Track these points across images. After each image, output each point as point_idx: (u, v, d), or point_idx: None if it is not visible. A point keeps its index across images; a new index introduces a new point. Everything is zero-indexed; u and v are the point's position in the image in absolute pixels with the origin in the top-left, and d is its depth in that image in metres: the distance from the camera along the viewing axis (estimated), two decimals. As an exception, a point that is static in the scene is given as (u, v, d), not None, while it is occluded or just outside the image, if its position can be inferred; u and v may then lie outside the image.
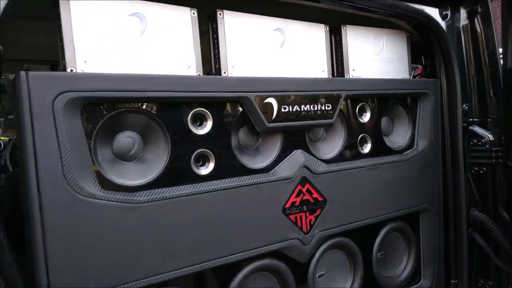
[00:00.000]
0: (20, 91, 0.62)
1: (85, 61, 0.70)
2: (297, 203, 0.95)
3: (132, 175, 0.76)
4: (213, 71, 0.89)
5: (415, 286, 1.22)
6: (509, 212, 1.19)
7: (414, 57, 1.37)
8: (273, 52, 0.96)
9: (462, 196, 1.24)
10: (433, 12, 1.22)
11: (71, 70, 0.69)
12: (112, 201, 0.70)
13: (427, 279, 1.24)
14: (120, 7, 0.75)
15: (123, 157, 0.77)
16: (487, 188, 1.24)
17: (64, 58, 0.69)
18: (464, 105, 1.25)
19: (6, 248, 0.60)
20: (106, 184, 0.72)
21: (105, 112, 0.74)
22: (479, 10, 1.22)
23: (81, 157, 0.67)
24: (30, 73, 0.62)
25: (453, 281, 1.29)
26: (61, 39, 0.70)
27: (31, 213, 0.63)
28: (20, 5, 0.65)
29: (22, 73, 0.62)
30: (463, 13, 1.24)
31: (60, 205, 0.65)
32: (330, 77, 1.05)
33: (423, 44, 1.25)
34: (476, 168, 1.25)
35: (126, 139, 0.77)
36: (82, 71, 0.70)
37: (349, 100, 1.09)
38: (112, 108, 0.74)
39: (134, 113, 0.77)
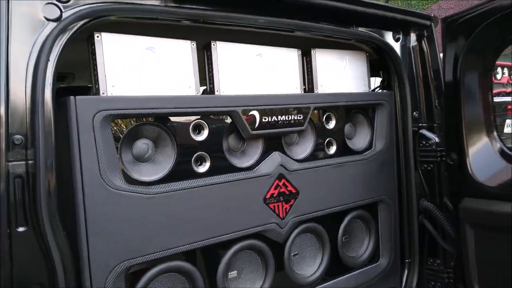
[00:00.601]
0: (70, 111, 0.83)
1: (113, 86, 0.92)
2: (275, 195, 1.18)
3: (147, 173, 0.98)
4: (208, 90, 1.12)
5: (375, 264, 1.46)
6: (452, 202, 1.44)
7: (375, 71, 1.64)
8: (256, 73, 1.19)
9: (413, 188, 1.49)
10: (388, 35, 1.47)
11: (103, 94, 0.91)
12: (134, 192, 0.93)
13: (385, 258, 1.48)
14: (138, 42, 0.97)
15: (140, 159, 0.99)
16: (434, 182, 1.49)
17: (98, 84, 0.91)
18: (414, 113, 1.50)
19: (61, 229, 0.82)
20: (129, 179, 0.94)
21: (128, 124, 0.96)
22: (425, 34, 1.47)
23: (112, 159, 0.89)
24: (78, 97, 0.84)
25: (407, 260, 1.53)
26: (95, 69, 0.91)
27: (77, 202, 0.85)
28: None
29: (72, 97, 0.84)
30: (412, 36, 1.49)
31: (97, 195, 0.87)
32: (302, 92, 1.29)
33: (380, 62, 1.51)
34: (425, 165, 1.50)
35: (142, 145, 0.99)
36: (111, 94, 0.92)
37: (317, 111, 1.33)
38: (132, 121, 0.97)
39: (148, 125, 0.99)
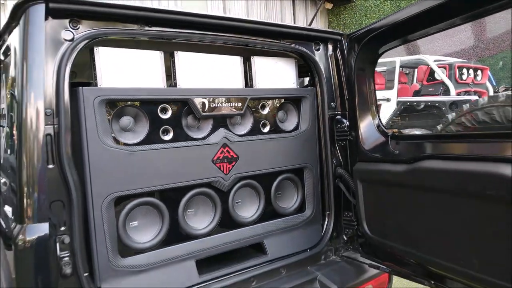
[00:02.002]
0: (79, 96, 1.35)
1: (105, 81, 1.44)
2: (220, 157, 1.69)
3: (129, 138, 1.49)
4: (172, 84, 1.64)
5: (301, 214, 1.97)
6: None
7: (304, 72, 2.16)
8: (208, 73, 1.71)
9: (330, 159, 1.99)
10: (310, 46, 1.98)
11: (99, 86, 1.43)
12: (120, 149, 1.43)
13: (309, 210, 1.98)
14: (122, 53, 1.49)
15: (125, 129, 1.50)
16: (346, 154, 1.99)
17: (96, 79, 1.42)
18: (332, 103, 2.01)
19: (74, 168, 1.33)
20: (117, 141, 1.45)
21: (116, 106, 1.48)
22: (338, 46, 1.98)
23: (105, 128, 1.41)
24: (84, 87, 1.35)
25: (327, 212, 2.05)
26: (94, 70, 1.43)
27: (84, 156, 1.36)
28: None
29: (80, 88, 1.35)
30: (329, 47, 1.99)
31: (96, 150, 1.38)
32: (243, 87, 1.81)
33: (306, 65, 2.03)
34: (340, 142, 2.01)
35: (126, 120, 1.50)
36: (104, 86, 1.43)
37: (254, 100, 1.84)
38: (119, 104, 1.48)
39: (130, 107, 1.50)
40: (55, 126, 1.28)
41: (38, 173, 1.20)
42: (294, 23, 13.38)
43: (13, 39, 1.32)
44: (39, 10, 1.21)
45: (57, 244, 1.25)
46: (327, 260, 1.97)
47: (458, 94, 6.16)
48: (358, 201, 1.81)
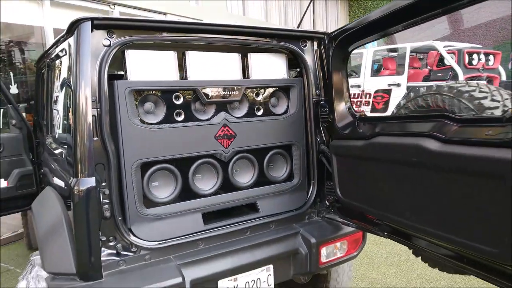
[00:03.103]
0: (114, 87, 1.82)
1: (133, 75, 1.91)
2: (221, 135, 2.14)
3: (151, 119, 1.97)
4: (184, 77, 2.10)
5: (289, 182, 2.41)
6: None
7: (294, 65, 2.56)
8: (212, 67, 2.16)
9: (314, 138, 2.40)
10: (298, 43, 2.38)
11: (128, 79, 1.90)
12: (144, 127, 1.92)
13: (296, 179, 2.41)
14: (146, 53, 1.95)
15: (147, 112, 1.98)
16: (327, 133, 2.42)
17: (126, 74, 1.90)
18: (316, 91, 2.42)
19: (112, 140, 1.81)
20: (142, 121, 1.93)
21: (141, 94, 1.95)
22: (322, 42, 2.38)
23: (134, 112, 1.89)
24: (118, 81, 1.83)
25: (312, 181, 2.48)
26: (125, 67, 1.90)
27: (118, 132, 1.84)
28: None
29: (115, 81, 1.83)
30: (314, 43, 2.39)
31: (128, 128, 1.86)
32: (240, 79, 2.25)
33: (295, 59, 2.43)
34: (324, 124, 2.42)
35: (148, 105, 1.97)
36: (132, 79, 1.91)
37: (250, 89, 2.28)
38: (143, 93, 1.96)
39: (151, 95, 1.98)
40: (98, 109, 1.76)
41: (87, 143, 1.69)
42: (313, 21, 13.60)
43: (68, 45, 1.81)
44: (87, 25, 1.69)
45: (100, 194, 1.75)
46: (310, 220, 2.42)
47: (467, 79, 6.36)
48: (333, 172, 2.23)
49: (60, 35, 1.98)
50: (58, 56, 2.14)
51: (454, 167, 1.42)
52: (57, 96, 2.17)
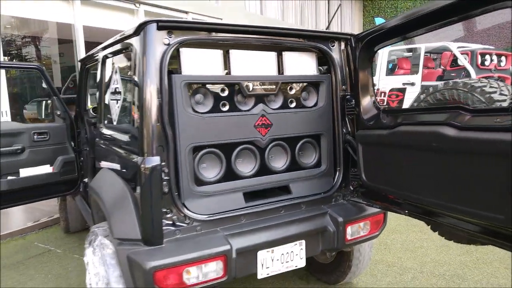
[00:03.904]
0: (172, 80, 2.11)
1: (186, 70, 2.19)
2: (259, 124, 2.41)
3: (201, 109, 2.25)
4: (227, 72, 2.38)
5: (318, 168, 2.68)
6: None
7: (323, 63, 2.83)
8: (252, 64, 2.43)
9: (341, 128, 2.67)
10: (327, 43, 2.65)
11: (183, 73, 2.18)
12: (196, 115, 2.20)
13: (324, 165, 2.68)
14: (197, 51, 2.23)
15: (198, 102, 2.26)
16: (353, 125, 2.68)
17: (181, 69, 2.18)
18: (343, 86, 2.68)
19: (170, 126, 2.10)
20: (194, 110, 2.21)
21: (192, 87, 2.24)
22: (348, 43, 2.64)
23: (187, 102, 2.17)
24: (175, 75, 2.11)
25: (338, 168, 2.74)
26: (179, 63, 2.18)
27: (174, 119, 2.13)
28: (169, 54, 2.14)
29: (173, 75, 2.11)
30: (341, 43, 2.66)
31: (182, 116, 2.13)
32: (276, 74, 2.52)
33: (324, 58, 2.70)
34: (349, 116, 2.68)
35: (198, 96, 2.26)
36: (186, 74, 2.19)
37: (284, 84, 2.55)
38: (194, 86, 2.24)
39: (201, 87, 2.26)
40: (159, 99, 2.05)
41: (151, 127, 1.98)
42: (328, 21, 13.80)
43: (135, 43, 2.10)
44: (153, 26, 1.98)
45: (161, 172, 2.04)
46: (336, 202, 2.68)
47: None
48: (358, 159, 2.50)
49: (121, 35, 2.27)
50: (117, 53, 2.44)
51: (469, 149, 1.68)
52: (116, 88, 2.47)
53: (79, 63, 3.78)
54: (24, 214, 5.04)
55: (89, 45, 6.75)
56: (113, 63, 2.59)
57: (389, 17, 16.47)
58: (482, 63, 6.64)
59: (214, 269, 2.09)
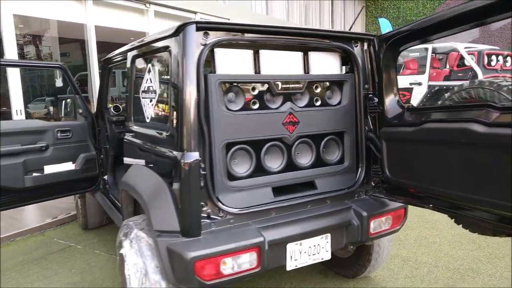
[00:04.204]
0: (208, 79, 2.20)
1: (220, 69, 2.28)
2: (287, 121, 2.50)
3: (233, 106, 2.33)
4: (257, 72, 2.46)
5: (341, 164, 2.77)
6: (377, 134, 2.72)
7: (346, 62, 2.92)
8: (280, 63, 2.52)
9: (363, 126, 2.77)
10: (350, 44, 2.74)
11: (217, 73, 2.27)
12: (228, 112, 2.28)
13: (347, 162, 2.77)
14: (230, 51, 2.32)
15: (230, 100, 2.34)
16: (375, 123, 2.77)
17: (215, 69, 2.27)
18: (365, 85, 2.77)
19: (206, 123, 2.18)
20: (227, 108, 2.30)
21: (225, 86, 2.32)
22: (371, 43, 2.73)
23: (221, 100, 2.25)
24: (210, 74, 2.20)
25: (360, 164, 2.83)
26: (214, 63, 2.27)
27: (210, 116, 2.22)
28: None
29: (209, 74, 2.20)
30: (364, 44, 2.75)
31: (217, 113, 2.21)
32: (303, 73, 2.61)
33: (347, 58, 2.79)
34: (371, 114, 2.77)
35: (231, 94, 2.34)
36: (220, 73, 2.28)
37: (310, 83, 2.64)
38: (227, 84, 2.32)
39: (233, 86, 2.35)
40: (196, 97, 2.14)
41: (191, 124, 2.07)
42: (331, 21, 13.95)
43: (173, 44, 2.18)
44: (193, 28, 2.07)
45: (200, 166, 2.13)
46: (359, 197, 2.77)
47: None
48: (382, 155, 2.59)
49: (156, 36, 2.37)
50: (152, 53, 2.53)
51: (497, 145, 1.77)
52: (149, 87, 2.55)
53: (101, 63, 3.85)
54: (41, 211, 5.12)
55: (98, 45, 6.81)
56: (146, 63, 2.67)
57: (391, 17, 16.58)
58: (489, 64, 6.74)
59: (248, 260, 2.18)
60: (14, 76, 5.63)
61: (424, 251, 3.87)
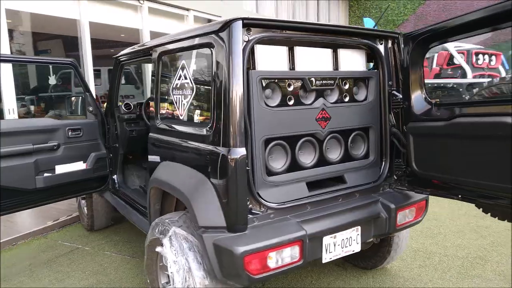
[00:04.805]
0: (249, 75, 2.21)
1: (260, 66, 2.30)
2: (320, 117, 2.55)
3: (270, 103, 2.36)
4: (291, 68, 2.49)
5: (367, 159, 2.85)
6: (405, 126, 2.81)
7: (370, 59, 2.99)
8: (312, 60, 2.56)
9: (387, 121, 2.86)
10: (375, 41, 2.81)
11: (257, 69, 2.29)
12: (267, 109, 2.31)
13: (372, 157, 2.84)
14: (268, 48, 2.34)
15: (267, 97, 2.37)
16: (398, 118, 2.86)
17: (255, 65, 2.29)
18: (389, 82, 2.86)
19: (248, 118, 2.20)
20: (265, 104, 2.32)
21: (264, 82, 2.34)
22: (396, 41, 2.82)
23: (261, 96, 2.28)
24: (251, 70, 2.22)
25: (384, 159, 2.92)
26: (253, 60, 2.29)
27: (251, 111, 2.23)
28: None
29: (250, 70, 2.21)
30: (389, 42, 2.83)
31: (257, 109, 2.23)
32: (332, 70, 2.66)
33: (372, 54, 2.87)
34: (395, 109, 2.86)
35: (268, 91, 2.37)
36: (260, 69, 2.30)
37: (340, 79, 2.69)
38: (266, 80, 2.34)
39: (271, 82, 2.37)
40: (243, 94, 2.15)
41: (237, 120, 2.09)
42: (317, 20, 14.16)
43: (218, 40, 2.17)
44: (239, 24, 2.08)
45: (246, 162, 2.14)
46: (384, 191, 2.85)
47: (474, 77, 6.93)
48: (409, 149, 2.67)
49: (192, 32, 2.38)
50: (187, 49, 2.52)
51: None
52: (185, 84, 2.54)
53: (113, 60, 3.79)
54: (41, 213, 4.97)
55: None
56: (178, 59, 2.65)
57: (374, 17, 16.94)
58: (477, 62, 7.03)
59: (290, 254, 2.21)
60: (6, 73, 5.44)
61: (432, 242, 4.01)
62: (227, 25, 2.11)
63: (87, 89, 3.80)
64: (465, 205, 5.07)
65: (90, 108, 3.82)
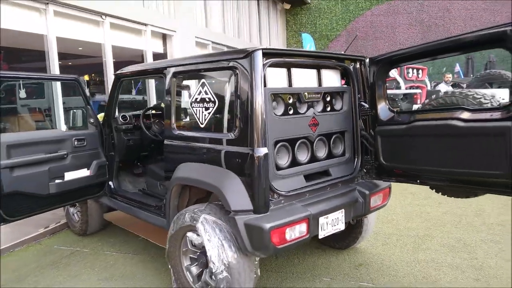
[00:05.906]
0: (263, 91, 2.82)
1: (270, 83, 2.92)
2: (311, 123, 3.22)
3: (277, 112, 2.99)
4: (289, 85, 3.15)
5: (343, 156, 3.58)
6: (373, 129, 3.59)
7: (343, 77, 3.75)
8: (303, 78, 3.24)
9: (358, 126, 3.60)
10: (348, 63, 3.58)
11: (268, 86, 2.91)
12: (277, 117, 2.93)
13: (348, 154, 3.55)
14: (274, 70, 2.98)
15: (274, 108, 2.99)
16: (366, 124, 3.64)
17: (266, 83, 2.91)
18: (358, 95, 3.64)
19: (260, 124, 2.80)
20: (272, 113, 2.95)
21: (273, 96, 2.96)
22: (363, 63, 3.60)
23: (269, 105, 2.90)
24: (265, 87, 2.83)
25: (356, 155, 3.67)
26: (265, 79, 2.91)
27: (263, 118, 2.84)
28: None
29: (264, 88, 2.83)
30: (358, 63, 3.61)
31: (269, 118, 2.85)
32: (317, 86, 3.37)
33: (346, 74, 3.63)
34: (363, 117, 3.63)
35: (273, 103, 2.99)
36: (270, 87, 2.92)
37: (322, 93, 3.40)
38: (274, 95, 2.97)
39: (276, 96, 3.00)
40: (261, 106, 2.76)
41: (260, 125, 2.69)
42: (259, 34, 15.18)
43: (243, 64, 2.76)
44: (260, 53, 2.70)
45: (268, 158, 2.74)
46: (358, 181, 3.60)
47: (407, 88, 8.13)
48: (377, 147, 3.44)
49: (215, 57, 2.96)
50: (208, 70, 3.09)
51: (473, 134, 2.71)
52: (207, 98, 3.09)
53: (113, 76, 4.18)
54: (29, 221, 5.09)
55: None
56: (197, 78, 3.19)
57: (309, 32, 18.28)
58: (408, 75, 8.25)
59: (299, 230, 2.85)
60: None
61: (388, 226, 4.87)
62: (250, 53, 2.72)
63: (88, 103, 4.15)
64: (410, 196, 6.08)
65: (91, 120, 4.17)
